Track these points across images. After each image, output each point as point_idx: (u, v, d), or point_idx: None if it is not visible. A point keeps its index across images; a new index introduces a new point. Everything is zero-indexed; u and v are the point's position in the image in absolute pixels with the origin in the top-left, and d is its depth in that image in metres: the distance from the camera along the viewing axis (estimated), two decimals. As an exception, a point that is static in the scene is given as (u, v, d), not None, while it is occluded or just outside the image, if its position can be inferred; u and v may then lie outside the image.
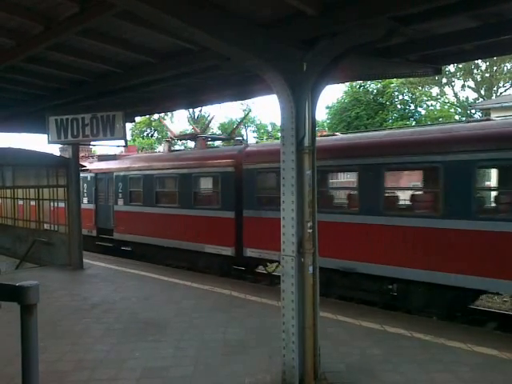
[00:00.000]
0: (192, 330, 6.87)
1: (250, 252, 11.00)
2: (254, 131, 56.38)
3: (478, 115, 31.78)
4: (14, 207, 16.67)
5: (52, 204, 13.71)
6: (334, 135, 11.78)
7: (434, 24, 5.21)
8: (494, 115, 23.29)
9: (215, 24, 4.38)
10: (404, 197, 10.42)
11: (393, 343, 6.28)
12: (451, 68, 34.75)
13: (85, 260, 12.24)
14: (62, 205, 13.04)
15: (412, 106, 39.40)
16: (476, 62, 32.56)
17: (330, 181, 10.66)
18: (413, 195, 9.32)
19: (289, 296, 4.87)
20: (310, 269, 4.96)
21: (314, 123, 5.15)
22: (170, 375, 5.26)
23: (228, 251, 11.52)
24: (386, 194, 9.01)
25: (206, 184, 13.17)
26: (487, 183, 10.13)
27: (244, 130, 56.06)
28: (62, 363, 5.62)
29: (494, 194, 9.08)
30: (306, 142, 4.93)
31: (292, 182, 4.86)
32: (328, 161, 9.17)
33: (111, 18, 5.30)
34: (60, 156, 14.95)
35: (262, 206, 10.73)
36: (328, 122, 41.86)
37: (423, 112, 38.79)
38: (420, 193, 9.68)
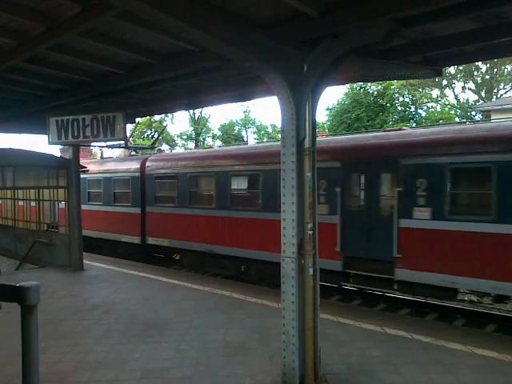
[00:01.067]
0: (192, 331, 6.86)
1: (150, 240, 14.43)
2: (254, 132, 56.36)
3: (478, 117, 31.78)
4: (15, 208, 16.68)
5: (53, 204, 13.73)
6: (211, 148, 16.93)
7: (435, 26, 5.21)
8: (494, 117, 23.33)
9: (215, 24, 4.38)
10: (243, 196, 12.70)
11: (393, 345, 6.28)
12: (451, 70, 34.78)
13: (85, 261, 12.24)
14: (62, 206, 13.08)
15: (412, 108, 39.39)
16: (476, 63, 32.60)
17: (200, 184, 13.49)
18: (246, 195, 12.21)
19: (289, 297, 4.87)
20: (311, 270, 4.96)
21: (314, 125, 5.14)
22: (170, 376, 5.26)
23: (136, 240, 14.84)
24: (232, 194, 12.19)
25: (122, 186, 15.83)
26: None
27: (244, 131, 56.08)
28: (62, 364, 5.62)
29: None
30: (307, 143, 4.93)
31: (292, 184, 4.85)
32: (198, 168, 13.01)
33: (112, 19, 5.30)
34: (60, 157, 14.97)
35: (158, 203, 14.19)
36: (328, 123, 41.85)
37: (423, 114, 38.79)
38: (248, 194, 12.29)
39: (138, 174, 14.88)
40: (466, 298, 11.00)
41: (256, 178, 11.53)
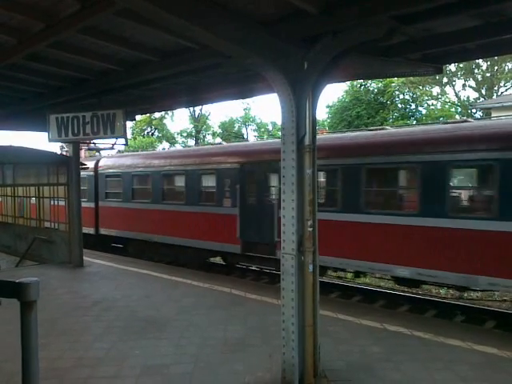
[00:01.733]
0: (192, 327, 6.88)
1: (102, 231, 16.44)
2: (254, 130, 56.31)
3: (478, 115, 31.77)
4: (15, 205, 16.69)
5: (53, 202, 13.74)
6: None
7: (435, 23, 5.20)
8: (494, 115, 23.30)
9: (217, 23, 4.37)
10: (173, 192, 14.52)
11: (393, 341, 6.30)
12: (452, 67, 34.72)
13: (85, 258, 12.26)
14: (62, 203, 13.09)
15: (413, 106, 39.35)
16: (477, 61, 32.54)
17: (140, 182, 15.33)
18: (175, 191, 14.17)
19: (289, 294, 4.88)
20: (310, 267, 4.97)
21: (314, 122, 5.14)
22: (170, 372, 5.27)
23: (92, 231, 16.57)
24: (164, 190, 14.14)
25: (82, 183, 15.82)
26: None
27: (245, 128, 56.02)
28: (62, 360, 5.63)
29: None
30: (307, 140, 4.93)
31: (292, 181, 4.85)
32: (137, 169, 15.00)
33: (112, 16, 5.30)
34: (61, 154, 14.97)
35: (107, 198, 16.26)
36: (328, 121, 41.83)
37: (424, 111, 38.75)
38: (177, 190, 14.27)
39: (92, 172, 16.77)
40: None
41: (182, 177, 13.60)
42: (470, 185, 10.14)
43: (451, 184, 8.55)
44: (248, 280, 12.20)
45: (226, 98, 10.28)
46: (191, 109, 51.25)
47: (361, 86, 38.55)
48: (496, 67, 34.50)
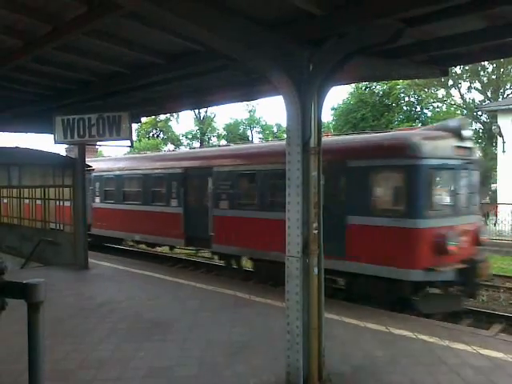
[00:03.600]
0: (197, 330, 6.87)
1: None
2: (259, 132, 56.34)
3: (484, 117, 31.64)
4: (20, 207, 16.76)
5: (58, 203, 13.79)
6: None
7: (442, 25, 5.17)
8: (500, 117, 23.19)
9: (221, 24, 4.38)
10: (131, 193, 15.99)
11: (398, 345, 6.26)
12: (457, 70, 34.62)
13: (90, 260, 12.28)
14: (67, 204, 13.15)
15: (418, 108, 39.26)
16: (483, 63, 32.43)
17: (113, 185, 16.59)
18: (134, 193, 15.44)
19: (293, 297, 4.86)
20: (315, 270, 4.95)
21: (319, 124, 5.13)
22: (175, 375, 5.27)
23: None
24: (125, 192, 15.82)
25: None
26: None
27: (250, 131, 56.04)
28: (67, 362, 5.64)
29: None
30: (312, 142, 4.92)
31: (297, 183, 4.84)
32: (103, 173, 16.87)
33: (118, 19, 5.32)
34: (66, 156, 15.02)
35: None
36: (333, 123, 41.79)
37: (429, 114, 38.65)
38: (132, 191, 15.68)
39: None
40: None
41: (139, 180, 15.14)
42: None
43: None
44: (252, 283, 12.18)
45: (232, 100, 10.30)
46: (196, 111, 51.39)
47: (366, 88, 38.50)
48: (502, 69, 34.38)
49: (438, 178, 9.02)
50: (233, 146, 16.01)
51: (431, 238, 8.27)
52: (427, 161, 8.41)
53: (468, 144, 9.30)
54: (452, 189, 9.07)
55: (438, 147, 8.69)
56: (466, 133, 9.21)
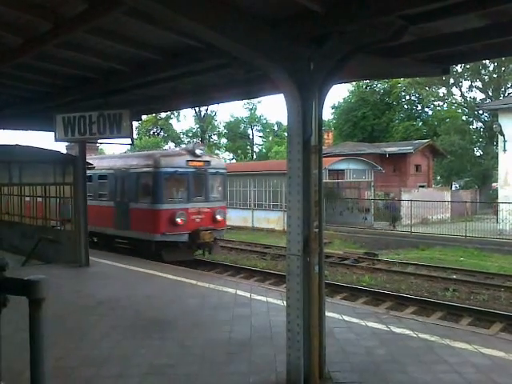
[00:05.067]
0: (197, 327, 6.88)
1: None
2: (259, 130, 56.28)
3: (485, 116, 31.61)
4: (21, 204, 16.76)
5: (59, 201, 13.80)
6: None
7: (443, 23, 5.14)
8: (501, 115, 23.15)
9: (222, 22, 4.35)
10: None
11: (399, 343, 6.26)
12: (459, 68, 34.58)
13: (91, 257, 12.29)
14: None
15: (419, 107, 39.24)
16: (484, 62, 32.38)
17: None
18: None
19: (294, 295, 4.85)
20: (316, 268, 4.95)
21: (320, 122, 5.12)
22: (175, 372, 5.27)
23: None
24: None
25: None
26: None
27: (250, 129, 55.97)
28: (68, 359, 5.64)
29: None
30: (313, 141, 4.91)
31: (298, 182, 4.82)
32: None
33: (119, 16, 5.30)
34: (67, 153, 15.01)
35: None
36: (334, 121, 41.74)
37: (430, 112, 38.62)
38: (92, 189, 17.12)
39: None
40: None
41: (104, 179, 17.01)
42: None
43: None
44: (253, 281, 12.20)
45: (233, 98, 10.28)
46: (197, 108, 51.30)
47: (367, 86, 38.46)
48: (503, 68, 34.34)
49: (172, 180, 14.58)
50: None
51: (166, 215, 14.01)
52: (163, 169, 14.29)
53: (203, 158, 15.23)
54: (185, 186, 14.73)
55: (172, 161, 14.63)
56: (198, 151, 15.12)
